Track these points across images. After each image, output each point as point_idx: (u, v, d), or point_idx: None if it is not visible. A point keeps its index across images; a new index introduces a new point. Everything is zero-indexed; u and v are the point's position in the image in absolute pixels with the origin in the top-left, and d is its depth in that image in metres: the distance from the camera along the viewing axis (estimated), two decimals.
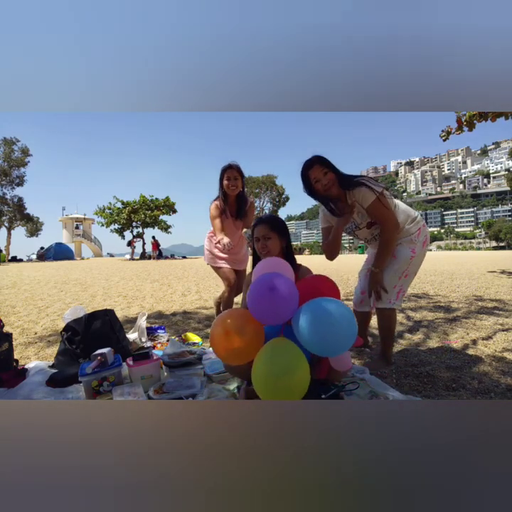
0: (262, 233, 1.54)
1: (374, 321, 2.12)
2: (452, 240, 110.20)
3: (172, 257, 19.31)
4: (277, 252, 1.57)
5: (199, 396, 1.40)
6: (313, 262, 9.58)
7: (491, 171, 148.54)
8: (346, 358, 1.14)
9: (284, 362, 1.04)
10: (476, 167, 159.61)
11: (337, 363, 1.14)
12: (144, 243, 20.33)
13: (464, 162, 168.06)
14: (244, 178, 2.30)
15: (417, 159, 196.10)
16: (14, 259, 18.88)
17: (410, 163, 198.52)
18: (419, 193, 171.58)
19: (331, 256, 1.83)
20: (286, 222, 1.66)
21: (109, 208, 19.77)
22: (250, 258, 2.18)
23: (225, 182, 2.21)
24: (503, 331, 2.38)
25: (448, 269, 8.00)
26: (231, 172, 2.21)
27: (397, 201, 1.72)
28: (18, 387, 1.51)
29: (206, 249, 2.43)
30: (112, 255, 28.58)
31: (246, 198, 2.34)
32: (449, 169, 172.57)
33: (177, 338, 2.25)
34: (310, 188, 1.65)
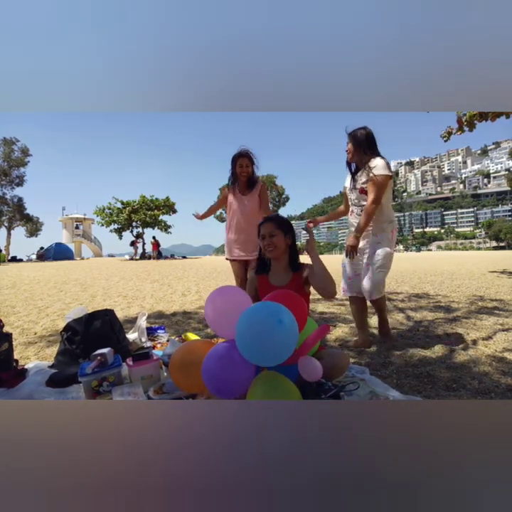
0: (268, 231, 1.56)
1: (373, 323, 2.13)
2: (452, 240, 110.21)
3: (172, 257, 19.30)
4: (282, 250, 1.59)
5: (199, 396, 1.40)
6: None
7: (491, 171, 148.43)
8: (313, 368, 1.11)
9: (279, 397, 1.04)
10: (476, 167, 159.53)
11: (304, 373, 1.12)
12: (144, 243, 20.34)
13: (464, 162, 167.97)
14: (256, 161, 2.46)
15: (417, 159, 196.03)
16: (14, 259, 18.86)
17: (410, 163, 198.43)
18: (419, 192, 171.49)
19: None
20: None
21: (109, 208, 19.76)
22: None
23: (238, 169, 2.39)
24: (504, 331, 2.38)
25: (448, 269, 8.00)
26: (243, 160, 2.38)
27: (391, 198, 2.11)
28: (17, 388, 1.51)
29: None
30: (112, 255, 28.58)
31: (256, 178, 2.50)
32: (449, 169, 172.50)
33: (177, 338, 2.24)
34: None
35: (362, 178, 2.01)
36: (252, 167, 2.42)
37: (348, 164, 2.14)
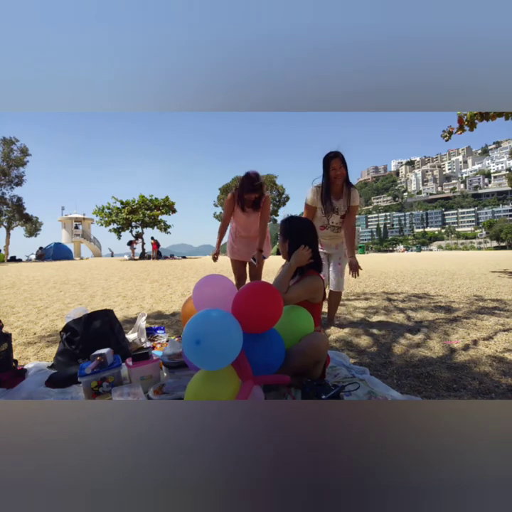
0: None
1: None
2: (453, 240, 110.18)
3: (171, 257, 19.30)
4: (285, 253, 1.60)
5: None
6: None
7: (491, 171, 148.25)
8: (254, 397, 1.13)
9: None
10: (477, 167, 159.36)
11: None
12: (143, 243, 20.33)
13: (465, 162, 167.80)
14: (265, 187, 2.60)
15: (417, 159, 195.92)
16: (13, 259, 18.86)
17: (411, 163, 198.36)
18: (420, 192, 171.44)
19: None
20: None
21: (108, 208, 19.75)
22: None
23: (246, 196, 2.48)
24: (504, 331, 2.38)
25: (449, 269, 7.99)
26: (253, 195, 2.47)
27: None
28: (17, 388, 1.50)
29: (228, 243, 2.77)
30: (112, 255, 28.60)
31: (263, 197, 2.59)
32: (449, 169, 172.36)
33: (177, 339, 2.23)
34: (327, 171, 2.28)
35: (342, 203, 2.36)
36: (260, 194, 2.51)
37: (331, 185, 2.32)
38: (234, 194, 2.58)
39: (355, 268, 2.37)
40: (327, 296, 2.52)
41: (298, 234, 1.59)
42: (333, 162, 2.23)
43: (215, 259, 2.69)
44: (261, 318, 1.22)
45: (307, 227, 1.63)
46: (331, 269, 2.56)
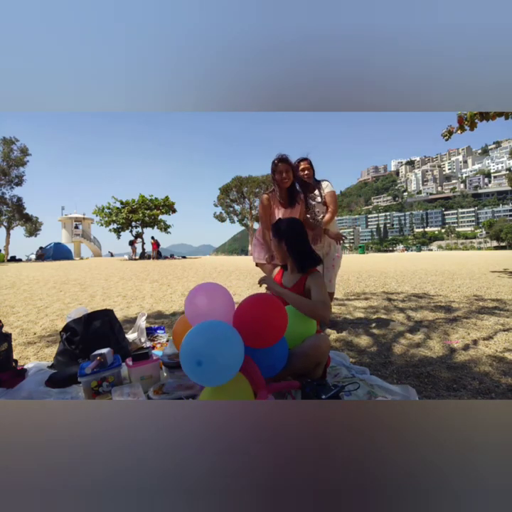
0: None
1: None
2: (453, 240, 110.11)
3: (172, 256, 19.30)
4: (281, 255, 1.60)
5: (199, 396, 1.40)
6: None
7: (491, 171, 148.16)
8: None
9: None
10: (477, 166, 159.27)
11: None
12: (143, 243, 20.33)
13: (465, 161, 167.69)
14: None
15: (417, 158, 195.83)
16: (13, 259, 18.85)
17: (411, 163, 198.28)
18: (419, 192, 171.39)
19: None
20: None
21: (108, 208, 19.74)
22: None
23: (278, 176, 2.26)
24: (504, 331, 2.38)
25: (449, 269, 7.99)
26: (283, 166, 2.26)
27: None
28: (17, 388, 1.50)
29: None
30: (112, 255, 28.59)
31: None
32: (449, 169, 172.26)
33: None
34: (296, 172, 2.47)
35: (318, 194, 2.57)
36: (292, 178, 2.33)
37: (303, 184, 2.55)
38: (269, 194, 2.38)
39: (336, 237, 2.45)
40: None
41: (291, 232, 1.60)
42: (302, 164, 2.53)
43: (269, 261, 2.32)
44: (268, 338, 1.15)
45: (297, 222, 1.65)
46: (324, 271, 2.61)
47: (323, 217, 2.53)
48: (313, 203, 2.56)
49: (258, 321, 1.14)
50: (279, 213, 2.36)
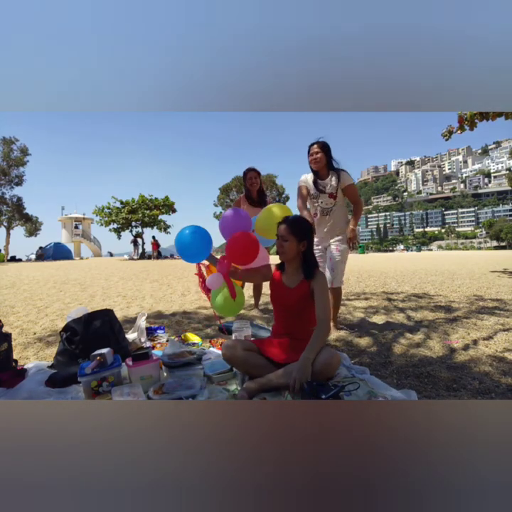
0: (282, 233, 1.57)
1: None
2: (453, 240, 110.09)
3: (172, 256, 19.29)
4: (293, 255, 1.58)
5: (199, 397, 1.40)
6: None
7: (491, 171, 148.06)
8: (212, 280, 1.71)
9: None
10: (477, 166, 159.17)
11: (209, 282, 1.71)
12: (143, 243, 20.33)
13: (465, 161, 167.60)
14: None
15: (417, 158, 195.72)
16: (13, 259, 18.84)
17: (411, 163, 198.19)
18: (420, 192, 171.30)
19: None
20: None
21: (108, 208, 19.73)
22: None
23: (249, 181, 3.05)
24: (504, 331, 2.38)
25: (449, 269, 7.99)
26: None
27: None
28: (17, 388, 1.50)
29: None
30: (111, 255, 28.60)
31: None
32: (449, 169, 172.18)
33: (177, 339, 2.24)
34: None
35: (328, 183, 2.39)
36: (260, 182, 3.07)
37: (314, 171, 2.44)
38: (240, 197, 3.00)
39: (351, 239, 2.40)
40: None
41: (310, 233, 1.62)
42: (312, 148, 2.41)
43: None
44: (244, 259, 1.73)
45: (309, 222, 1.69)
46: (326, 265, 2.49)
47: (327, 207, 2.43)
48: (317, 192, 2.41)
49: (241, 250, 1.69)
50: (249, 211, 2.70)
